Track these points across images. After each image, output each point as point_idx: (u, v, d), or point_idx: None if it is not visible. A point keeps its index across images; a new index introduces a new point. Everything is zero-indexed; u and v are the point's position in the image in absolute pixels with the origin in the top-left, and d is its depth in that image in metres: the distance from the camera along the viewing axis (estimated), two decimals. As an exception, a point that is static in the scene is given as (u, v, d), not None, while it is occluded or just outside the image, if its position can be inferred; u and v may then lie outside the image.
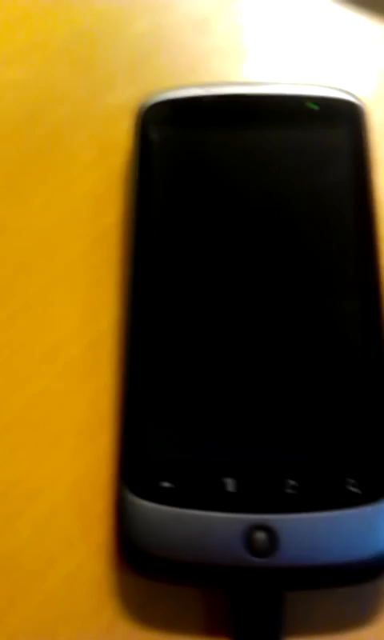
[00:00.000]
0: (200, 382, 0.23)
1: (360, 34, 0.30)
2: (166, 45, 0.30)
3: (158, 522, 0.21)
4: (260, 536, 0.21)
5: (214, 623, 0.22)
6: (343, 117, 0.26)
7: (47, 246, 0.27)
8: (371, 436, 0.22)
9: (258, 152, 0.26)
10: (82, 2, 0.31)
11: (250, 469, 0.21)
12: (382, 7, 0.30)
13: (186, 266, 0.24)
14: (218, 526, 0.21)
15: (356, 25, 0.30)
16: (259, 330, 0.23)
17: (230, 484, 0.21)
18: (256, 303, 0.24)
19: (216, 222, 0.25)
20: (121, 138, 0.27)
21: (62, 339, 0.25)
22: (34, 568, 0.22)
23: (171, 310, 0.24)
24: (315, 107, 0.26)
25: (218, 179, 0.25)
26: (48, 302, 0.26)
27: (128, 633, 0.22)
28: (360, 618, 0.22)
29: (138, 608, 0.22)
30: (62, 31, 0.30)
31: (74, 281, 0.26)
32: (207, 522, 0.21)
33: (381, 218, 0.25)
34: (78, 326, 0.25)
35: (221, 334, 0.23)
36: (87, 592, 0.22)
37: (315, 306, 0.24)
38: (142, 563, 0.21)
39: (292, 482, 0.21)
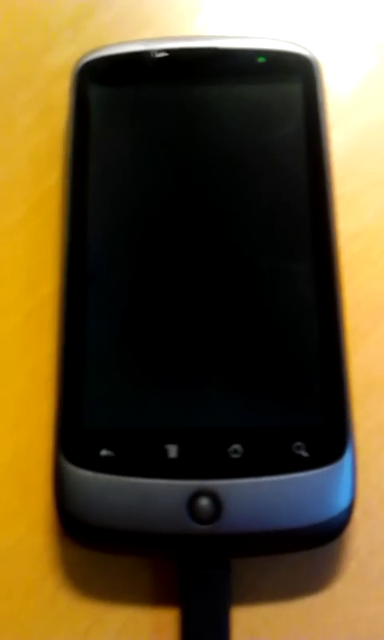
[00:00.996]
0: (138, 347, 0.22)
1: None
2: (109, 2, 0.28)
3: (98, 492, 0.20)
4: (204, 502, 0.20)
5: (161, 592, 0.21)
6: (294, 70, 0.24)
7: (-14, 212, 0.26)
8: (318, 399, 0.21)
9: (203, 108, 0.24)
10: None
11: (193, 434, 0.20)
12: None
13: (128, 228, 0.23)
14: (161, 494, 0.20)
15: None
16: (201, 292, 0.22)
17: (172, 450, 0.20)
18: (202, 266, 0.22)
19: (159, 184, 0.23)
20: (62, 98, 0.25)
21: (4, 306, 0.24)
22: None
23: (109, 275, 0.22)
24: (265, 60, 0.24)
25: (159, 138, 0.24)
26: (-14, 269, 0.25)
27: (71, 604, 0.21)
28: (311, 584, 0.21)
29: (82, 579, 0.21)
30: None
31: (14, 246, 0.25)
32: (149, 490, 0.20)
33: (334, 173, 0.24)
34: (18, 294, 0.24)
35: (160, 298, 0.22)
36: (29, 564, 0.22)
37: (266, 265, 0.22)
38: (82, 534, 0.20)
39: (236, 447, 0.20)
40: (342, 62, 0.27)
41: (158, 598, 0.21)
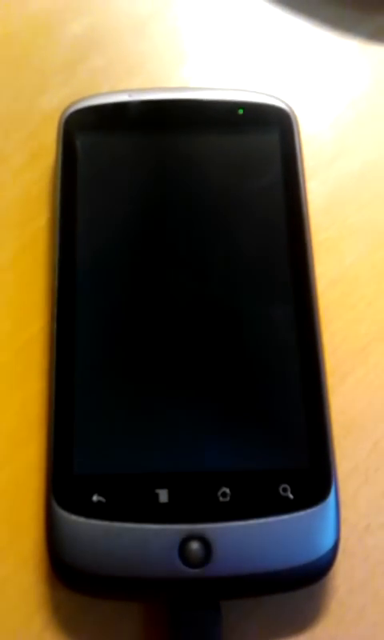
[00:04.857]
0: (129, 391, 0.20)
1: (298, 38, 0.28)
2: (102, 47, 0.27)
3: (89, 537, 0.18)
4: (194, 546, 0.18)
5: (150, 634, 0.19)
6: (271, 121, 0.24)
7: (-24, 251, 0.24)
8: (303, 442, 0.20)
9: (184, 158, 0.23)
10: (16, 3, 0.28)
11: (182, 479, 0.19)
12: (321, 11, 0.28)
13: (113, 272, 0.22)
14: (152, 539, 0.18)
15: (294, 28, 0.28)
16: (190, 337, 0.21)
17: (163, 495, 0.19)
18: (185, 309, 0.21)
19: (141, 228, 0.22)
20: (54, 140, 0.24)
21: (-7, 345, 0.23)
22: None
23: (97, 316, 0.21)
24: (243, 112, 0.24)
25: (142, 185, 0.23)
26: (-23, 308, 0.23)
27: (58, 646, 0.20)
28: (294, 624, 0.20)
29: (69, 619, 0.20)
30: (-6, 33, 0.28)
31: (4, 285, 0.23)
32: (140, 535, 0.18)
33: (313, 221, 0.23)
34: (8, 332, 0.23)
35: (149, 341, 0.21)
36: (15, 603, 0.20)
37: (247, 313, 0.21)
38: (73, 580, 0.19)
39: (225, 491, 0.19)
40: (321, 114, 0.26)
41: (145, 639, 0.19)
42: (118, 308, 0.21)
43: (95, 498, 0.19)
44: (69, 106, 0.24)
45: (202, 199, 0.23)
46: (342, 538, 0.20)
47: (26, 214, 0.24)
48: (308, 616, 0.20)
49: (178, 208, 0.23)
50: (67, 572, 0.18)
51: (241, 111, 0.24)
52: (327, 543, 0.19)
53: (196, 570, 0.18)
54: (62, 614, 0.20)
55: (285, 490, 0.19)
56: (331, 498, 0.19)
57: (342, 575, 0.20)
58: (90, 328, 0.21)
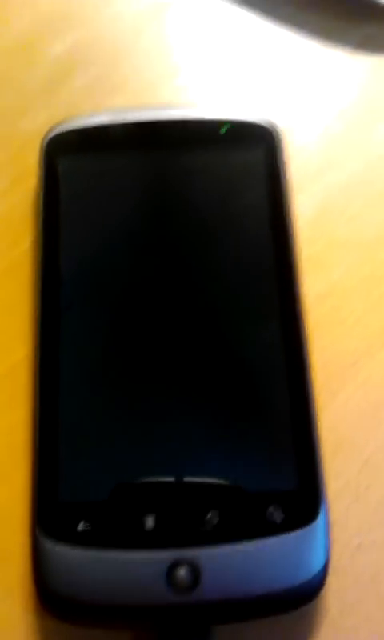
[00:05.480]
0: (114, 417, 0.20)
1: (284, 49, 0.27)
2: (84, 67, 0.27)
3: (76, 566, 0.18)
4: (182, 572, 0.18)
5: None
6: (255, 140, 0.23)
7: None
8: (292, 463, 0.19)
9: (168, 177, 0.23)
10: (-3, 23, 0.28)
11: (168, 504, 0.19)
12: (307, 22, 0.28)
13: (97, 297, 0.21)
14: (139, 565, 0.18)
15: (280, 39, 0.28)
16: (175, 361, 0.21)
17: (149, 521, 0.19)
18: (171, 331, 0.21)
19: (125, 250, 0.22)
20: (35, 164, 0.23)
21: (-22, 371, 0.22)
22: None
23: (81, 342, 0.21)
24: (226, 131, 0.23)
25: (126, 206, 0.23)
26: None
27: None
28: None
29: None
30: (-26, 54, 0.27)
31: (-13, 311, 0.23)
32: (127, 562, 0.18)
33: (299, 240, 0.22)
34: (-7, 357, 0.23)
35: (133, 367, 0.21)
36: (2, 633, 0.20)
37: (234, 332, 0.21)
38: (61, 609, 0.18)
39: (212, 514, 0.19)
40: (308, 125, 0.26)
41: (137, 667, 0.19)
42: (103, 333, 0.21)
43: (81, 525, 0.19)
44: (50, 130, 0.23)
45: (186, 219, 0.22)
46: (332, 558, 0.19)
47: (8, 238, 0.24)
48: (300, 637, 0.20)
49: (163, 229, 0.22)
50: (54, 601, 0.18)
51: (223, 130, 0.23)
52: (317, 564, 0.19)
53: (185, 596, 0.18)
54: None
55: (273, 511, 0.19)
56: (321, 518, 0.19)
57: (333, 596, 0.20)
58: (75, 354, 0.21)
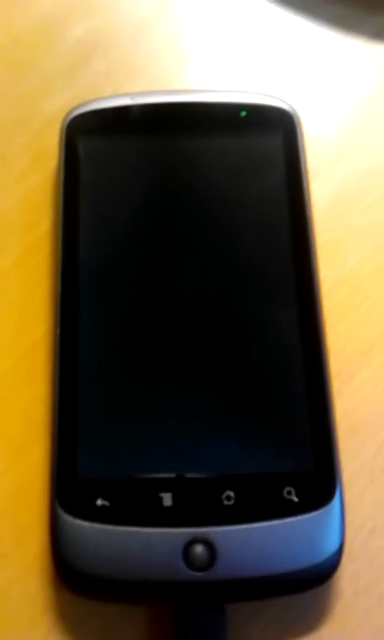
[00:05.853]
0: (133, 395, 0.20)
1: (301, 38, 0.27)
2: (104, 50, 0.27)
3: (94, 541, 0.18)
4: (198, 550, 0.18)
5: (155, 638, 0.19)
6: (274, 124, 0.23)
7: (-19, 255, 0.24)
8: (307, 445, 0.20)
9: (187, 160, 0.23)
10: (19, 7, 0.28)
11: (187, 483, 0.19)
12: (324, 11, 0.28)
13: (116, 277, 0.22)
14: (156, 542, 0.18)
15: (297, 28, 0.28)
16: (193, 341, 0.21)
17: (167, 499, 0.19)
18: (189, 313, 0.21)
19: (146, 232, 0.22)
20: (56, 145, 0.23)
21: (-5, 350, 0.23)
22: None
23: (101, 321, 0.21)
24: (247, 114, 0.23)
25: (145, 188, 0.23)
26: (-19, 312, 0.23)
27: (63, 650, 0.19)
28: (299, 626, 0.20)
29: (73, 623, 0.20)
30: (-3, 36, 0.28)
31: (7, 289, 0.23)
32: (145, 539, 0.18)
33: (315, 227, 0.23)
34: (11, 336, 0.22)
35: (152, 345, 0.21)
36: (20, 607, 0.20)
37: (252, 318, 0.21)
38: (78, 584, 0.19)
39: (229, 494, 0.19)
40: (324, 115, 0.26)
41: (151, 643, 0.20)
42: (121, 312, 0.21)
43: (99, 502, 0.19)
44: (71, 111, 0.23)
45: (205, 201, 0.23)
46: (347, 541, 0.20)
47: (29, 219, 0.24)
48: (313, 618, 0.20)
49: (181, 211, 0.22)
50: (72, 576, 0.18)
51: (244, 113, 0.23)
52: (332, 546, 0.19)
53: (200, 573, 0.18)
54: (67, 618, 0.20)
55: (289, 492, 0.19)
56: (336, 500, 0.19)
57: (347, 577, 0.20)
58: (93, 332, 0.21)
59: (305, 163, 0.23)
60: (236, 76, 0.27)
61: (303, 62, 0.27)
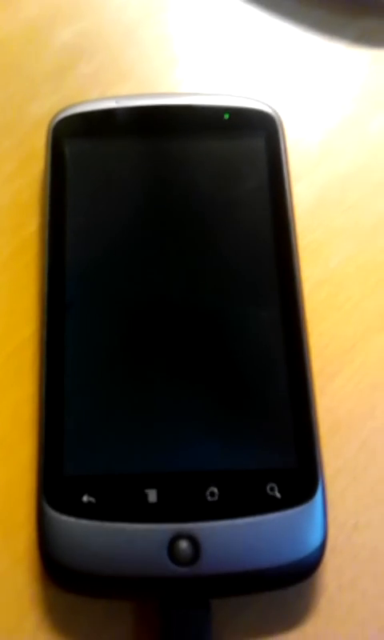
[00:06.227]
0: (118, 394, 0.21)
1: (284, 42, 0.28)
2: (91, 53, 0.27)
3: (80, 537, 0.19)
4: (183, 545, 0.19)
5: (140, 632, 0.20)
6: (256, 126, 0.24)
7: (-31, 256, 0.24)
8: (290, 442, 0.20)
9: (171, 162, 0.23)
10: (6, 11, 0.28)
11: (171, 479, 0.19)
12: (307, 16, 0.28)
13: (101, 277, 0.22)
14: (141, 538, 0.19)
15: (280, 32, 0.28)
16: (177, 340, 0.21)
17: (152, 495, 0.19)
18: (173, 312, 0.21)
19: (131, 234, 0.22)
20: (43, 148, 0.24)
21: (-16, 349, 0.23)
22: None
23: (86, 321, 0.21)
24: (229, 117, 0.24)
25: (130, 190, 0.23)
26: (-31, 312, 0.23)
27: (51, 644, 0.20)
28: (284, 622, 0.20)
29: (61, 619, 0.20)
30: (-17, 40, 0.28)
31: (-5, 290, 0.24)
32: (130, 534, 0.19)
33: (297, 228, 0.23)
34: (0, 335, 0.23)
35: (137, 344, 0.21)
36: (9, 601, 0.20)
37: (235, 317, 0.21)
38: (65, 579, 0.19)
39: (213, 490, 0.19)
40: (307, 117, 0.27)
41: (137, 638, 0.20)
42: (107, 312, 0.21)
43: (85, 498, 0.19)
44: (57, 113, 0.24)
45: (189, 203, 0.23)
46: (330, 537, 0.20)
47: (16, 220, 0.24)
48: (297, 613, 0.20)
49: (166, 212, 0.23)
50: (58, 571, 0.19)
51: (227, 116, 0.24)
52: (315, 541, 0.19)
53: (185, 569, 0.18)
54: (54, 614, 0.20)
55: (272, 489, 0.19)
56: (318, 496, 0.19)
57: (330, 573, 0.21)
58: (79, 332, 0.21)
59: (287, 165, 0.23)
60: (221, 79, 0.27)
61: (287, 66, 0.28)
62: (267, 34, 0.28)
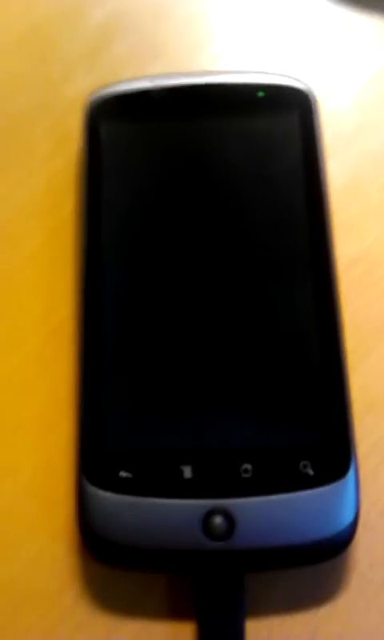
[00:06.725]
0: (154, 371, 0.21)
1: (316, 16, 0.28)
2: (125, 33, 0.27)
3: (117, 512, 0.19)
4: (217, 520, 0.19)
5: (176, 605, 0.20)
6: (290, 103, 0.24)
7: (8, 237, 0.24)
8: (322, 420, 0.20)
9: (206, 141, 0.24)
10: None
11: (206, 455, 0.20)
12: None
13: (138, 257, 0.22)
14: (177, 513, 0.19)
15: (312, 6, 0.28)
16: (212, 318, 0.21)
17: (187, 471, 0.20)
18: (210, 292, 0.22)
19: (167, 213, 0.23)
20: (78, 127, 0.24)
21: (24, 328, 0.23)
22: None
23: (124, 299, 0.22)
24: (264, 95, 0.24)
25: (167, 170, 0.23)
26: (10, 291, 0.24)
27: (89, 614, 0.20)
28: (315, 595, 0.21)
29: (100, 590, 0.21)
30: (19, 23, 0.28)
31: (34, 270, 0.24)
32: (166, 509, 0.19)
33: (332, 205, 0.23)
34: (39, 315, 0.23)
35: (173, 322, 0.21)
36: (49, 575, 0.21)
37: (269, 295, 0.22)
38: (103, 551, 0.20)
39: (247, 467, 0.20)
40: (341, 92, 0.26)
41: (172, 610, 0.20)
42: (144, 292, 0.22)
43: (122, 473, 0.20)
44: (92, 94, 0.24)
45: (224, 182, 0.23)
46: (362, 513, 0.20)
47: (54, 201, 0.25)
48: (330, 588, 0.21)
49: (201, 192, 0.23)
50: (97, 544, 0.19)
51: (261, 94, 0.24)
52: (347, 518, 0.19)
53: (219, 543, 0.19)
54: (92, 586, 0.21)
55: (305, 466, 0.20)
56: (350, 474, 0.20)
57: (362, 549, 0.21)
58: (116, 311, 0.22)
59: (321, 142, 0.23)
60: (254, 55, 0.27)
61: (320, 40, 0.27)
62: (298, 7, 0.28)
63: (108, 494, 0.19)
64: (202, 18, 0.28)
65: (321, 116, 0.24)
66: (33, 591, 0.21)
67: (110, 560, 0.20)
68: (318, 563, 0.20)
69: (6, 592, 0.21)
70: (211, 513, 0.19)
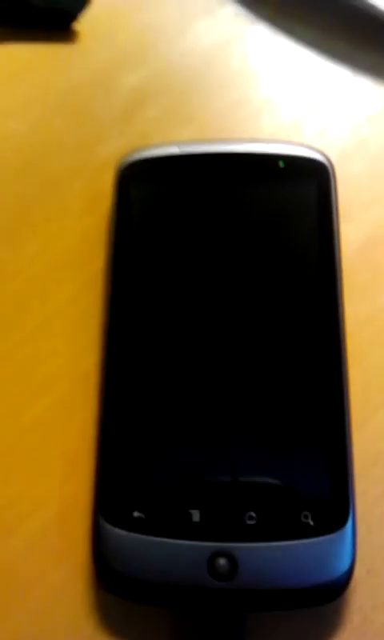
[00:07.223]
0: (170, 420, 0.23)
1: (338, 85, 0.29)
2: (157, 98, 0.29)
3: (130, 549, 0.21)
4: (221, 562, 0.21)
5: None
6: (309, 174, 0.26)
7: (42, 289, 0.26)
8: (326, 475, 0.22)
9: (229, 207, 0.25)
10: (78, 57, 0.30)
11: (214, 501, 0.22)
12: (356, 58, 0.30)
13: (161, 313, 0.24)
14: (184, 553, 0.21)
15: (331, 75, 0.30)
16: (223, 374, 0.23)
17: (196, 515, 0.21)
18: (226, 348, 0.23)
19: (189, 273, 0.25)
20: (110, 187, 0.26)
21: (54, 374, 0.25)
22: (25, 582, 0.23)
23: (144, 353, 0.24)
24: (283, 165, 0.26)
25: (190, 232, 0.25)
26: (42, 340, 0.26)
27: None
28: (320, 636, 0.22)
29: (115, 626, 0.22)
30: (58, 85, 0.30)
31: (65, 321, 0.26)
32: (174, 549, 0.21)
33: (345, 267, 0.25)
34: (68, 362, 0.25)
35: (191, 377, 0.23)
36: (70, 606, 0.22)
37: (278, 349, 0.23)
38: (117, 584, 0.21)
39: (252, 514, 0.21)
40: (359, 158, 0.28)
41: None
42: (165, 342, 0.24)
43: (136, 514, 0.21)
44: (124, 157, 0.26)
45: (244, 245, 0.25)
46: (367, 558, 0.22)
47: (85, 256, 0.27)
48: (333, 630, 0.22)
49: (223, 254, 0.25)
50: (109, 576, 0.21)
51: (282, 164, 0.26)
52: (343, 565, 0.21)
53: (222, 583, 0.21)
54: (109, 621, 0.22)
55: (306, 516, 0.21)
56: (348, 526, 0.21)
57: (366, 593, 0.22)
58: (138, 361, 0.23)
59: (336, 211, 0.25)
60: (278, 120, 0.29)
61: (341, 107, 0.29)
62: (321, 75, 0.30)
63: (122, 532, 0.21)
64: (230, 86, 0.30)
65: (337, 185, 0.25)
66: (54, 622, 0.22)
67: (121, 592, 0.21)
68: (315, 606, 0.21)
69: (29, 621, 0.22)
70: (216, 555, 0.21)
